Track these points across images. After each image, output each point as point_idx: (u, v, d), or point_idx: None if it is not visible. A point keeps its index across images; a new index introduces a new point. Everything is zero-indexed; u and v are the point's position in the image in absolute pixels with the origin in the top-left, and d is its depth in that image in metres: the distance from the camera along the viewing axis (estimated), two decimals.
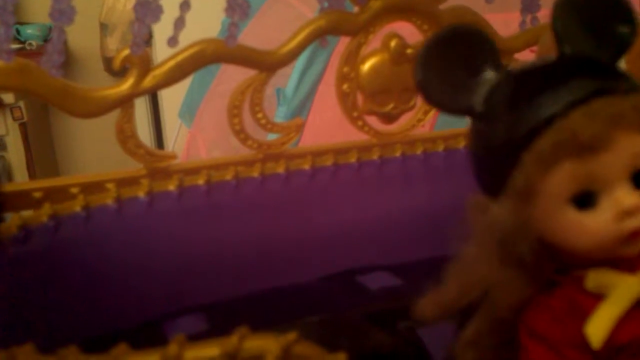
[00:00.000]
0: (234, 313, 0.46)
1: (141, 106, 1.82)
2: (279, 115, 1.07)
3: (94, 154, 2.04)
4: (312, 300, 0.47)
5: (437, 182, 0.55)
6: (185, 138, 1.50)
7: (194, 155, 1.39)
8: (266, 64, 0.49)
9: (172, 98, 1.58)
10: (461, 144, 0.57)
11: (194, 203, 0.48)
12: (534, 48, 0.56)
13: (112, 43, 1.81)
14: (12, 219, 0.43)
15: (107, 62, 1.86)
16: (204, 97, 1.42)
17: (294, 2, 1.28)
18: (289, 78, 1.08)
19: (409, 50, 0.53)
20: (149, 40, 1.42)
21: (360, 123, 0.54)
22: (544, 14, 0.58)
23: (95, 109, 0.46)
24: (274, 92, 1.09)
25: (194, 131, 1.45)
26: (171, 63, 0.47)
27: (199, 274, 0.48)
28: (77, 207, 0.46)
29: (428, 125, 0.83)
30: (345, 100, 0.53)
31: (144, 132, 1.85)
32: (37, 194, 0.46)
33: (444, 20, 0.53)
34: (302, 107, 1.06)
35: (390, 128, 0.56)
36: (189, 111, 1.49)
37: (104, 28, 1.80)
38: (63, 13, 0.43)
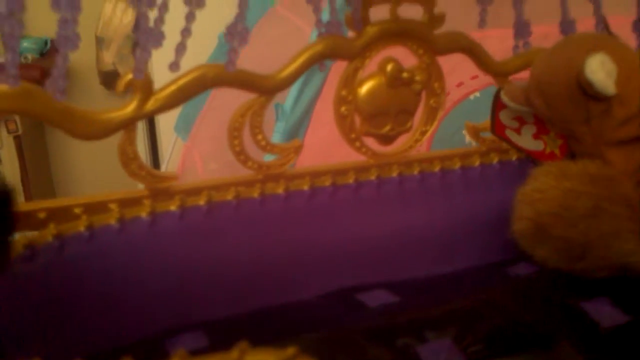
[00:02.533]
0: (234, 330, 0.47)
1: None
2: (278, 130, 1.08)
3: (90, 167, 2.04)
4: (312, 317, 0.48)
5: (433, 202, 0.56)
6: (180, 151, 1.51)
7: (189, 169, 1.39)
8: (265, 88, 0.51)
9: (167, 112, 1.59)
10: (457, 164, 0.58)
11: (195, 223, 0.49)
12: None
13: (108, 57, 1.82)
14: (18, 239, 0.44)
15: (103, 76, 1.87)
16: (200, 111, 1.43)
17: (291, 16, 1.29)
18: (288, 94, 1.09)
19: (404, 74, 0.54)
20: None
21: (357, 144, 0.56)
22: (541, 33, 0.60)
23: (99, 132, 0.47)
24: (272, 107, 1.10)
25: (189, 145, 1.46)
26: (173, 87, 0.48)
27: (200, 292, 0.49)
28: (81, 227, 0.47)
29: (425, 145, 0.85)
30: (343, 122, 0.54)
31: (139, 146, 1.85)
32: (41, 215, 0.47)
33: (438, 44, 0.54)
34: (301, 123, 1.07)
35: (388, 149, 0.57)
36: (184, 125, 1.50)
37: (100, 42, 1.81)
38: (68, 39, 0.44)
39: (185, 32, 0.48)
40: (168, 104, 0.49)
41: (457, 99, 0.99)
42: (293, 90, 1.07)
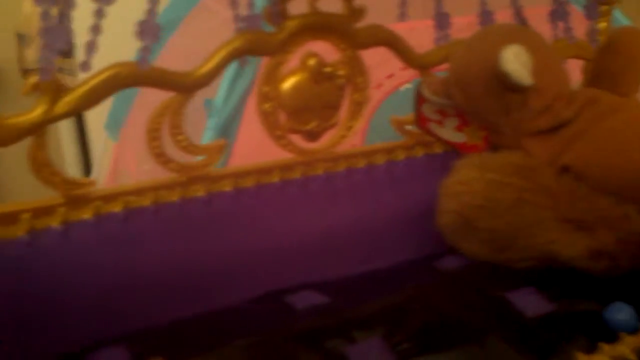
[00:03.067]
0: (156, 342, 0.45)
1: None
2: (210, 126, 1.05)
3: (19, 173, 1.95)
4: (238, 324, 0.47)
5: (360, 198, 0.56)
6: (112, 150, 1.45)
7: (122, 171, 1.35)
8: (184, 86, 0.49)
9: (97, 109, 1.53)
10: (381, 159, 0.58)
11: (111, 231, 0.47)
12: None
13: (31, 54, 1.73)
14: None
15: (27, 74, 1.79)
16: (131, 107, 1.39)
17: (220, 8, 1.26)
18: (218, 88, 1.06)
19: (327, 69, 0.53)
20: (70, 52, 1.38)
21: (283, 142, 0.54)
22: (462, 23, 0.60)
23: (3, 139, 0.44)
24: (202, 105, 1.07)
25: (121, 143, 1.41)
26: (84, 88, 0.45)
27: (120, 304, 0.46)
28: None
29: (359, 138, 0.84)
30: (267, 119, 0.53)
31: (68, 147, 1.78)
32: None
33: (359, 38, 0.53)
34: (234, 118, 1.04)
35: (315, 146, 0.56)
36: (115, 123, 1.44)
37: (21, 39, 1.72)
38: None
39: (95, 30, 0.46)
40: (80, 106, 0.46)
41: (388, 91, 0.99)
42: (224, 84, 1.04)
